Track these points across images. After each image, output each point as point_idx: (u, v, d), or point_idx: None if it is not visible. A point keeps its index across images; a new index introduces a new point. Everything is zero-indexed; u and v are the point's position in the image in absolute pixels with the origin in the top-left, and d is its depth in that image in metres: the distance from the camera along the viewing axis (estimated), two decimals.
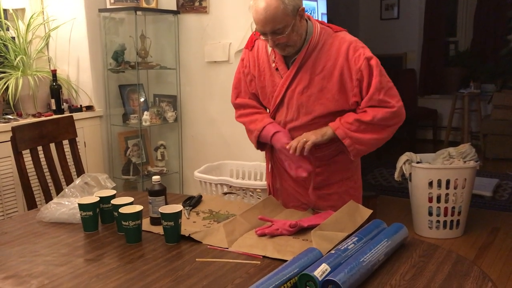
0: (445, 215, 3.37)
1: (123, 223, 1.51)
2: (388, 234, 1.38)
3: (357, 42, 1.67)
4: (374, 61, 1.64)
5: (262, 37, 1.67)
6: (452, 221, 3.40)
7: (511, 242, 3.40)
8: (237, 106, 1.92)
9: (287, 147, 1.67)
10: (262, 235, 1.52)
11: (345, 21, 6.14)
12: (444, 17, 6.61)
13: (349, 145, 1.67)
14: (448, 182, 3.28)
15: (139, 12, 3.30)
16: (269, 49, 1.76)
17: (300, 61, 1.68)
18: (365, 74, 1.63)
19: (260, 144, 1.86)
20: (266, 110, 1.87)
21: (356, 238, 1.34)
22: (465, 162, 3.34)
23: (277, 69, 1.74)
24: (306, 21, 1.68)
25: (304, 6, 1.64)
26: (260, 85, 1.81)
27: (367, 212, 1.62)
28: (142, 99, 3.50)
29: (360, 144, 1.67)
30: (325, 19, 4.70)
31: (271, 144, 1.80)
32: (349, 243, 1.31)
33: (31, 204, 2.24)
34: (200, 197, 1.92)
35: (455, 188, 3.29)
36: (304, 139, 1.66)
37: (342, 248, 1.28)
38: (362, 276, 1.19)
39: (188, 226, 1.62)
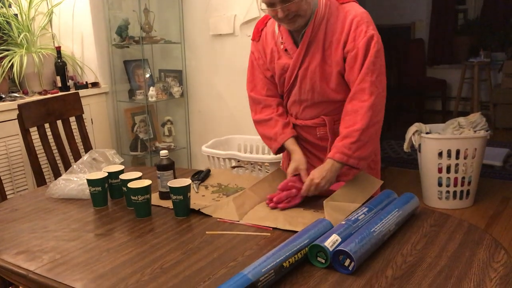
0: (455, 185, 3.35)
1: (132, 197, 1.51)
2: (399, 204, 1.36)
3: (361, 17, 1.58)
4: (374, 41, 1.56)
5: (269, 11, 1.57)
6: (462, 191, 3.38)
7: None
8: (252, 100, 1.85)
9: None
10: (274, 208, 1.51)
11: None
12: None
13: (355, 164, 1.57)
14: (458, 152, 3.25)
15: None
16: (276, 31, 1.70)
17: (309, 37, 1.62)
18: (360, 53, 1.56)
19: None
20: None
21: (367, 209, 1.33)
22: (475, 132, 3.30)
23: (285, 50, 1.68)
24: None
25: None
26: (271, 72, 1.76)
27: (378, 182, 1.61)
28: (147, 75, 3.48)
29: (364, 156, 1.58)
30: None
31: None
32: (359, 214, 1.30)
33: (41, 181, 2.24)
34: (208, 171, 1.91)
35: (465, 158, 3.26)
36: (316, 182, 1.55)
37: (352, 219, 1.27)
38: (373, 246, 1.18)
39: (197, 200, 1.62)
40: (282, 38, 1.69)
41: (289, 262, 1.11)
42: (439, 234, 1.31)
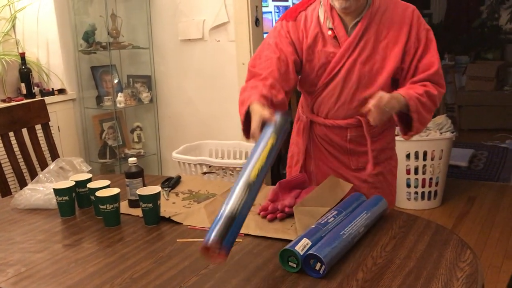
0: (423, 186, 3.42)
1: (101, 206, 1.48)
2: (367, 207, 1.38)
3: (418, 12, 1.59)
4: (432, 34, 1.57)
5: None
6: (430, 192, 3.45)
7: (486, 210, 3.48)
8: (250, 74, 1.59)
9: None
10: (264, 216, 1.47)
11: None
12: None
13: (414, 120, 1.50)
14: (425, 153, 3.32)
15: None
16: (321, 18, 1.59)
17: (364, 27, 1.53)
18: (422, 43, 1.54)
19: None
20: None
21: (336, 212, 1.34)
22: (441, 133, 3.38)
23: (334, 37, 1.57)
24: None
25: None
26: (308, 58, 1.60)
27: (348, 186, 1.62)
28: (115, 81, 3.43)
29: (420, 123, 1.52)
30: None
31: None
32: (329, 217, 1.31)
33: (5, 191, 2.18)
34: (179, 177, 1.90)
35: (432, 159, 3.34)
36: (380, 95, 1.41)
37: (322, 222, 1.27)
38: (343, 249, 1.19)
39: (168, 207, 1.60)
40: (333, 23, 1.57)
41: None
42: (407, 235, 1.33)
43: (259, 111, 1.34)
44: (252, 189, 1.14)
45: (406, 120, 1.55)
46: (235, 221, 1.09)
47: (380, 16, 1.55)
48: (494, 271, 2.65)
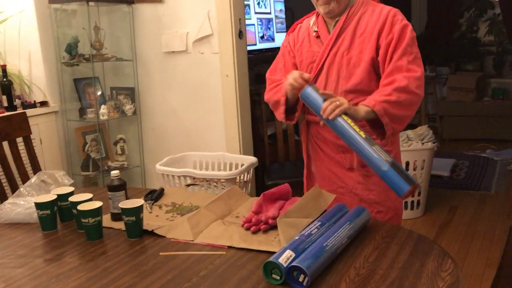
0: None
1: (83, 220, 1.47)
2: (351, 218, 1.39)
3: (397, 10, 1.67)
4: (409, 28, 1.62)
5: None
6: (412, 202, 3.49)
7: (468, 219, 3.52)
8: (268, 81, 1.85)
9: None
10: (248, 228, 1.46)
11: None
12: (398, 1, 6.72)
13: (386, 124, 1.54)
14: (407, 163, 3.36)
15: (91, 3, 3.20)
16: (311, 24, 1.78)
17: (342, 25, 1.68)
18: (395, 36, 1.60)
19: (289, 111, 1.75)
20: None
21: (320, 223, 1.35)
22: (423, 144, 3.42)
23: (318, 37, 1.74)
24: None
25: None
26: (299, 59, 1.79)
27: (331, 197, 1.63)
28: (98, 93, 3.41)
29: (396, 123, 1.57)
30: None
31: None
32: (312, 228, 1.31)
33: None
34: (162, 190, 1.89)
35: (414, 169, 3.37)
36: (338, 102, 1.49)
37: (306, 234, 1.28)
38: (326, 260, 1.20)
39: (151, 220, 1.59)
40: (317, 27, 1.75)
41: None
42: (390, 245, 1.34)
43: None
44: (371, 141, 1.40)
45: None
46: (398, 165, 1.37)
47: (359, 15, 1.69)
48: (476, 279, 2.68)
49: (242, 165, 2.42)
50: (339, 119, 1.46)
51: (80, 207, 1.48)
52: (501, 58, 6.44)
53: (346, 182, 1.75)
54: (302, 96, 1.56)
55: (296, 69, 1.79)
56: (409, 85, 1.55)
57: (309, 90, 1.53)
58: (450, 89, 6.01)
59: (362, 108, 1.54)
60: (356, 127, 1.45)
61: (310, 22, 1.80)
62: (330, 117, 1.47)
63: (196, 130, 3.31)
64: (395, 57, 1.59)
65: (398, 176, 1.35)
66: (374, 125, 1.60)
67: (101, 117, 3.25)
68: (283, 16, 5.08)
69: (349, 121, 1.46)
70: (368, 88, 1.65)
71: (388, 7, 1.69)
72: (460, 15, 6.70)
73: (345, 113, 1.48)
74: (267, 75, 1.87)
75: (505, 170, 4.62)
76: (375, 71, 1.67)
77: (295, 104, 1.76)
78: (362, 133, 1.44)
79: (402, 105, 1.56)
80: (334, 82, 1.70)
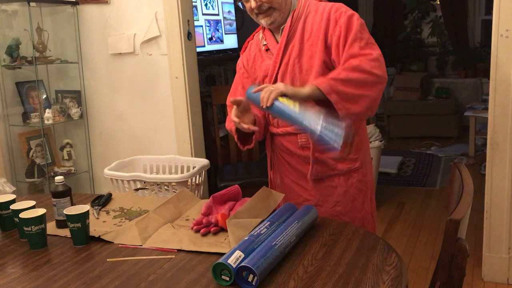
0: None
1: (25, 228, 1.41)
2: (298, 216, 1.41)
3: (339, 4, 1.62)
4: (356, 17, 1.57)
5: (244, 4, 1.63)
6: None
7: (415, 214, 3.65)
8: (227, 108, 1.77)
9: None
10: (197, 231, 1.45)
11: None
12: (345, 3, 6.88)
13: (336, 102, 1.45)
14: None
15: (33, 3, 3.09)
16: (260, 37, 1.75)
17: (288, 32, 1.64)
18: (343, 28, 1.55)
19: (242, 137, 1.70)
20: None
21: (269, 223, 1.36)
22: (370, 142, 3.51)
23: (267, 50, 1.71)
24: None
25: None
26: (254, 76, 1.75)
27: (280, 196, 1.65)
28: (43, 96, 3.30)
29: (349, 102, 1.47)
30: None
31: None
32: (261, 228, 1.32)
33: None
34: (109, 195, 1.85)
35: None
36: (272, 88, 1.47)
37: (255, 234, 1.29)
38: (275, 259, 1.21)
39: (98, 226, 1.56)
40: (265, 40, 1.72)
41: None
42: (337, 242, 1.37)
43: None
44: (305, 110, 1.42)
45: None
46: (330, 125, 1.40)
47: (303, 20, 1.65)
48: (423, 272, 2.78)
49: (193, 167, 2.41)
50: (276, 103, 1.45)
51: (22, 215, 1.43)
52: (444, 58, 6.71)
53: (313, 194, 1.72)
54: (247, 97, 1.56)
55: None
56: (361, 64, 1.49)
57: (250, 90, 1.54)
58: (396, 89, 6.21)
59: (306, 87, 1.50)
60: (290, 103, 1.45)
61: (259, 36, 1.77)
62: (268, 104, 1.44)
63: (146, 133, 3.26)
64: (347, 46, 1.55)
65: (331, 135, 1.40)
66: (331, 107, 1.49)
67: (46, 122, 3.15)
68: (233, 17, 5.09)
69: (286, 101, 1.46)
70: None
71: (329, 4, 1.64)
72: (404, 17, 6.93)
73: (284, 96, 1.47)
74: (227, 99, 1.74)
75: (449, 166, 4.82)
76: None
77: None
78: (297, 106, 1.44)
79: (353, 83, 1.47)
80: None
